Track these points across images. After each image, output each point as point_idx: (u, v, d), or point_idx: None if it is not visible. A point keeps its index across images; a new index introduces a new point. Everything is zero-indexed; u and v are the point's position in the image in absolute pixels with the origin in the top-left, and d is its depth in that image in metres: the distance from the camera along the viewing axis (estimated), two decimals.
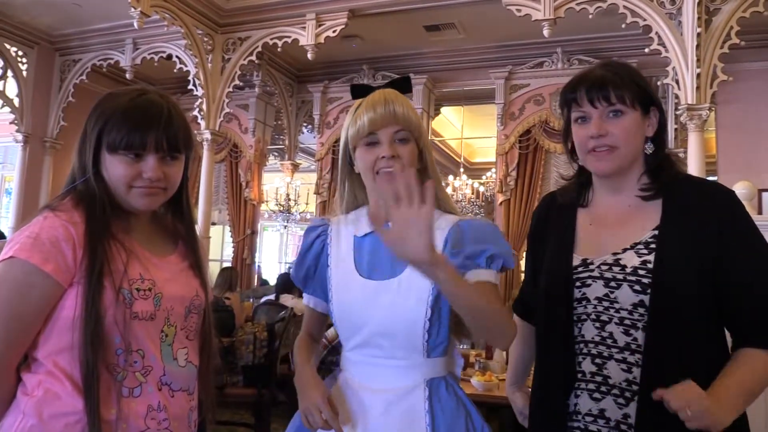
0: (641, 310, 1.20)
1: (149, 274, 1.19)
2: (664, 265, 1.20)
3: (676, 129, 6.40)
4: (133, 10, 5.21)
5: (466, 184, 7.46)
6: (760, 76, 5.90)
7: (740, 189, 3.25)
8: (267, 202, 8.14)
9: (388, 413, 1.26)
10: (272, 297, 5.74)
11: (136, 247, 1.21)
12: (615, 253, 1.26)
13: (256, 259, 8.15)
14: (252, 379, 4.32)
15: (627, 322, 1.21)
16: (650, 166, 1.31)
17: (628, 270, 1.22)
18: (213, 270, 6.93)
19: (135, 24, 5.32)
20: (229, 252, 8.38)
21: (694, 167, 4.64)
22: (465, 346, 3.35)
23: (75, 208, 1.16)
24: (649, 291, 1.19)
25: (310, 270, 1.42)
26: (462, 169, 8.00)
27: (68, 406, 1.10)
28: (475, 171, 9.23)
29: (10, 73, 6.82)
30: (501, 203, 6.73)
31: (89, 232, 1.13)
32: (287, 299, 5.36)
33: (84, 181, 1.20)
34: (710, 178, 6.47)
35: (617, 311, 1.22)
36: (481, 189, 7.68)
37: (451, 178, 7.65)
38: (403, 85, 1.39)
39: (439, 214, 1.34)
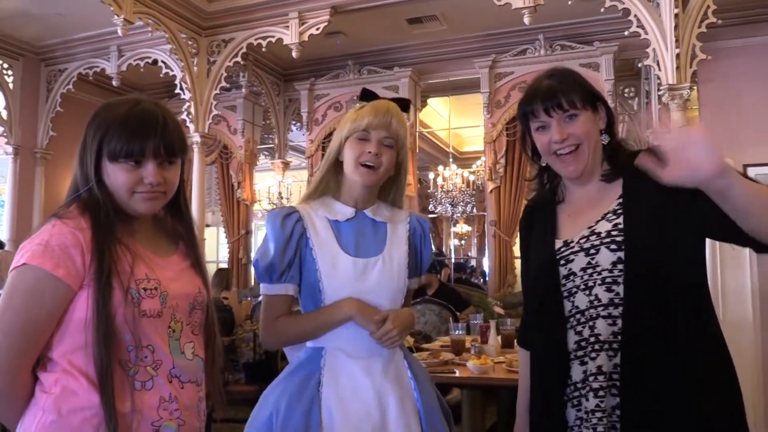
0: (620, 266, 1.31)
1: (154, 274, 1.25)
2: (632, 222, 1.33)
3: (659, 109, 6.48)
4: (116, 17, 5.23)
5: (456, 174, 7.52)
6: (740, 53, 5.97)
7: None
8: (260, 201, 8.19)
9: (386, 374, 1.50)
10: None
11: (140, 249, 1.27)
12: (590, 227, 1.39)
13: (252, 259, 8.20)
14: (253, 375, 4.39)
15: (608, 279, 1.32)
16: (608, 154, 1.46)
17: (603, 234, 1.35)
18: (209, 271, 6.97)
19: (119, 31, 5.34)
20: (224, 253, 8.43)
21: None
22: (460, 332, 3.42)
23: (81, 215, 1.23)
24: (623, 247, 1.31)
25: (292, 255, 1.55)
26: (451, 159, 8.06)
27: (85, 401, 1.16)
28: (465, 160, 9.28)
29: None
30: (491, 191, 6.81)
31: (96, 238, 1.19)
32: None
33: (88, 190, 1.26)
34: None
35: (599, 273, 1.33)
36: (471, 178, 7.75)
37: (441, 168, 7.71)
38: (404, 105, 1.68)
39: (390, 209, 1.68)
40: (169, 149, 1.27)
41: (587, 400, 1.32)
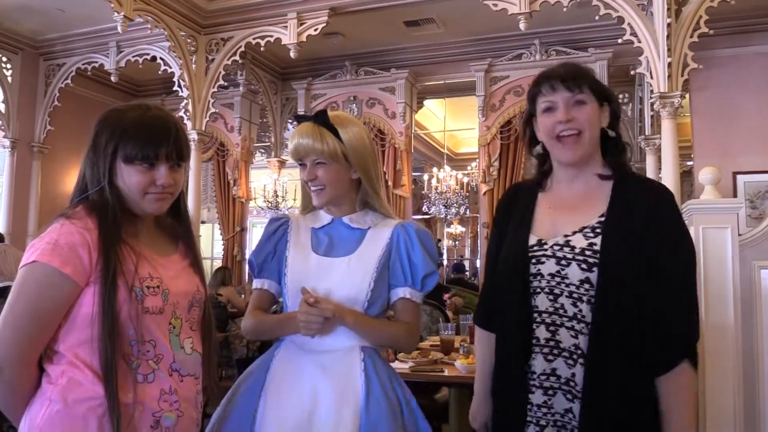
0: (587, 286, 1.38)
1: (157, 273, 1.33)
2: (607, 248, 1.38)
3: (652, 116, 6.57)
4: (116, 14, 5.27)
5: (450, 176, 7.58)
6: (732, 63, 6.06)
7: (706, 174, 3.39)
8: (255, 199, 8.25)
9: (325, 371, 1.51)
10: None
11: (143, 249, 1.34)
12: (566, 236, 1.44)
13: (247, 256, 8.25)
14: None
15: (575, 295, 1.39)
16: (610, 150, 1.50)
17: (577, 250, 1.40)
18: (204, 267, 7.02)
19: (118, 28, 5.38)
20: (219, 249, 8.48)
21: (668, 153, 4.79)
22: (450, 332, 3.49)
23: (88, 216, 1.29)
24: (594, 269, 1.37)
25: (269, 254, 1.67)
26: (446, 160, 8.13)
27: (90, 391, 1.23)
28: (460, 161, 9.34)
29: None
30: (485, 193, 6.88)
31: (103, 238, 1.26)
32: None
33: (99, 190, 1.32)
34: (688, 163, 6.63)
35: (567, 286, 1.40)
36: (465, 180, 7.81)
37: (435, 170, 7.78)
38: (322, 117, 1.62)
39: (380, 218, 1.68)
40: (179, 154, 1.36)
41: (533, 393, 1.41)
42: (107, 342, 1.21)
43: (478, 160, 7.14)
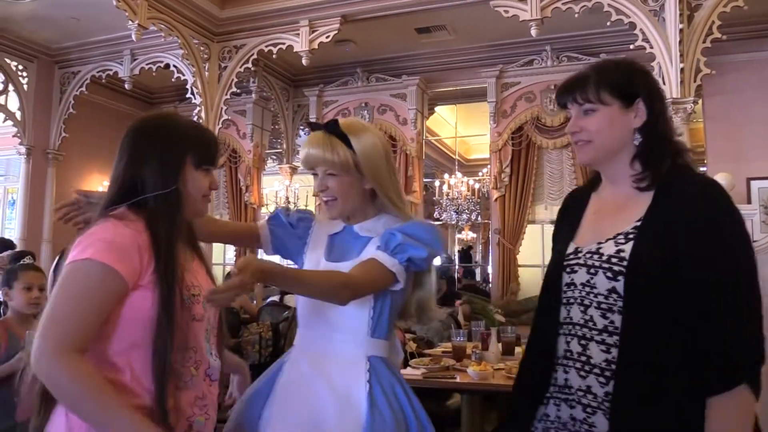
0: (615, 296, 1.29)
1: (196, 281, 1.35)
2: (636, 255, 1.28)
3: None
4: (130, 23, 5.34)
5: (462, 182, 7.58)
6: (745, 68, 6.03)
7: (720, 180, 3.37)
8: (267, 205, 8.28)
9: (329, 384, 1.46)
10: (276, 298, 5.88)
11: (182, 256, 1.35)
12: (599, 243, 1.36)
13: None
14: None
15: (604, 306, 1.31)
16: (640, 156, 1.37)
17: (604, 258, 1.32)
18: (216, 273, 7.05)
19: (133, 36, 5.44)
20: (231, 255, 8.51)
21: None
22: (461, 339, 3.49)
23: (138, 219, 1.30)
24: (619, 278, 1.28)
25: (290, 227, 1.69)
26: (457, 166, 8.13)
27: (131, 394, 1.23)
28: (472, 167, 9.33)
29: (11, 87, 6.95)
30: (496, 199, 6.87)
31: (165, 244, 1.27)
32: (291, 299, 5.50)
33: (164, 195, 1.32)
34: (701, 169, 6.61)
35: (596, 296, 1.32)
36: (477, 186, 7.81)
37: (446, 176, 7.78)
38: (333, 126, 1.56)
39: (393, 221, 1.58)
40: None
41: (572, 408, 1.35)
42: (167, 349, 1.22)
43: (489, 166, 7.14)
